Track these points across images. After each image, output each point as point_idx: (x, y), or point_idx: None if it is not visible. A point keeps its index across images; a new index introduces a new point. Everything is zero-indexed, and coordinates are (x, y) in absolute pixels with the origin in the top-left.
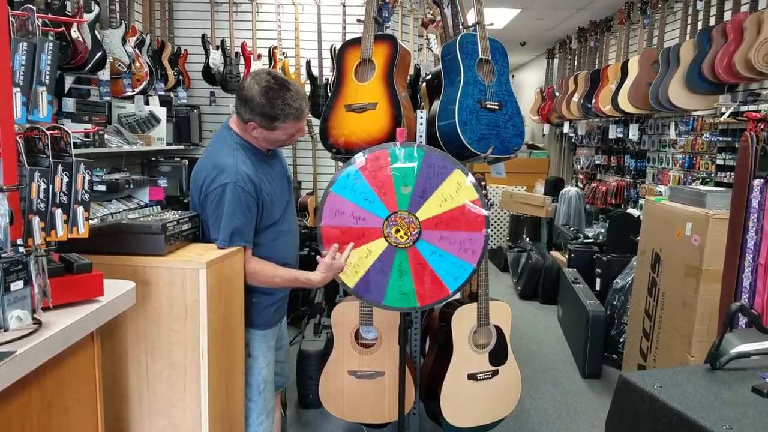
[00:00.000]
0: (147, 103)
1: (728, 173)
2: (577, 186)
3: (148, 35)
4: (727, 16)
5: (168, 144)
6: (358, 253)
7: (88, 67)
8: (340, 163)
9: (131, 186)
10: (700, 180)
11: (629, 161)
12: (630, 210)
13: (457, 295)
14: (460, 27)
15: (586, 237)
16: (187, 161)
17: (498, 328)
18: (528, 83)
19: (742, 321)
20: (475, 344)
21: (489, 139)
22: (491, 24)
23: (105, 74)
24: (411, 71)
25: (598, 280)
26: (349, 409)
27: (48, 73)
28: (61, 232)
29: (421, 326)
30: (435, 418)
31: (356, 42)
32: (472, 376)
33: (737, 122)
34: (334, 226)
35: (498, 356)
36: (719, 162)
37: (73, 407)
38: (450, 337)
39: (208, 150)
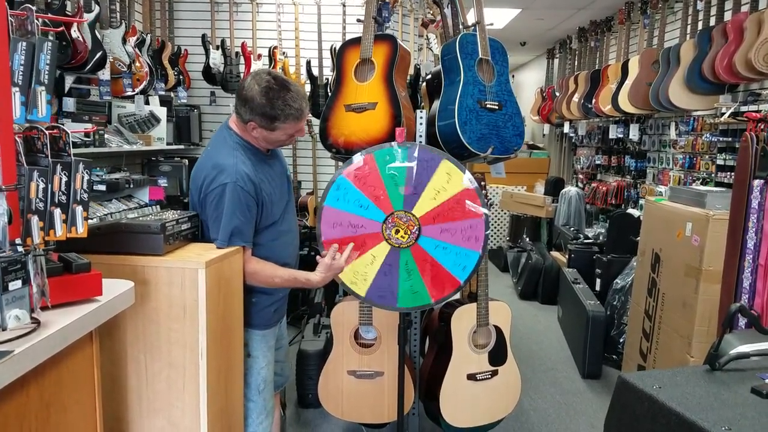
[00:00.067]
0: (147, 102)
1: (728, 173)
2: (577, 186)
3: (149, 35)
4: (728, 16)
5: (168, 144)
6: (363, 260)
7: (88, 67)
8: (340, 163)
9: (131, 186)
10: (701, 180)
11: (629, 161)
12: (630, 210)
13: (457, 296)
14: (460, 27)
15: (586, 237)
16: (187, 161)
17: (497, 329)
18: (528, 83)
19: (742, 322)
20: (475, 344)
21: (489, 139)
22: (491, 24)
23: (105, 74)
24: (411, 71)
25: (598, 281)
26: (348, 408)
27: (47, 72)
28: (59, 232)
29: (420, 326)
30: (434, 418)
31: (356, 42)
32: (471, 377)
33: (737, 122)
34: (334, 239)
35: (497, 356)
36: (719, 162)
37: (71, 407)
38: (449, 337)
39: (208, 150)
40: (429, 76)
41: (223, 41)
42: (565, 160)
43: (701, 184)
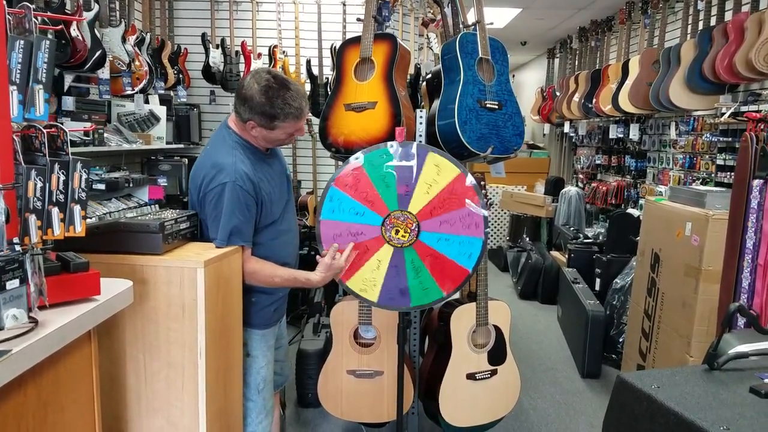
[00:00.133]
0: (147, 101)
1: (729, 173)
2: (577, 186)
3: (148, 34)
4: (728, 16)
5: (168, 143)
6: (368, 266)
7: (87, 66)
8: (340, 162)
9: (131, 185)
10: (701, 180)
11: (630, 161)
12: (630, 210)
13: (456, 295)
14: (461, 26)
15: (586, 237)
16: (186, 160)
17: (497, 328)
18: (529, 83)
19: (741, 321)
20: (474, 344)
21: (488, 139)
22: (491, 23)
23: (105, 73)
24: (411, 70)
25: (597, 280)
26: (347, 408)
27: (45, 71)
28: (57, 231)
29: (420, 326)
30: (433, 418)
31: (356, 41)
32: (470, 376)
33: (738, 122)
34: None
35: (497, 356)
36: (719, 162)
37: (69, 406)
38: (449, 337)
39: (207, 149)
40: (429, 76)
41: (222, 40)
42: (565, 159)
43: (701, 184)
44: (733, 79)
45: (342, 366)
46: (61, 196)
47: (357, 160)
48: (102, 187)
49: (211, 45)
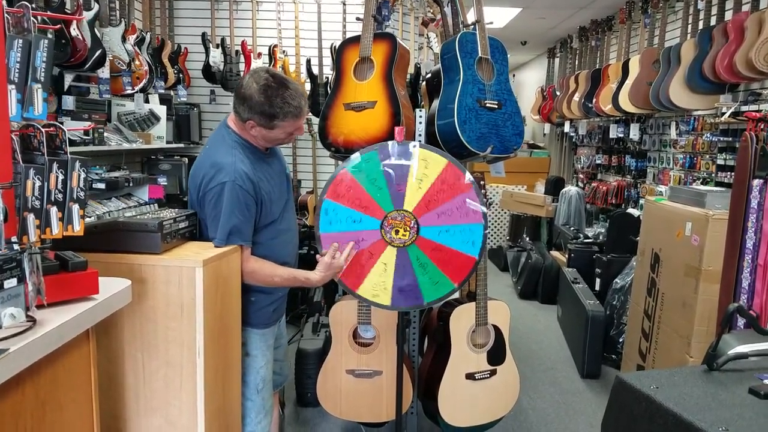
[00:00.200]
0: (147, 101)
1: (729, 173)
2: (577, 186)
3: (148, 33)
4: (728, 15)
5: (168, 142)
6: (376, 271)
7: (87, 65)
8: (340, 162)
9: (131, 184)
10: (701, 180)
11: (630, 161)
12: (630, 210)
13: (456, 295)
14: (460, 26)
15: (586, 237)
16: (186, 159)
17: (496, 328)
18: (529, 82)
19: (741, 322)
20: (474, 344)
21: (488, 138)
22: (491, 23)
23: (105, 72)
24: (411, 70)
25: (597, 280)
26: (346, 408)
27: (43, 70)
28: (56, 230)
29: (419, 325)
30: (433, 418)
31: (355, 40)
32: (470, 376)
33: (738, 122)
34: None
35: (496, 356)
36: (720, 162)
37: (67, 405)
38: (448, 337)
39: (206, 148)
40: (429, 75)
41: (223, 39)
42: (565, 159)
43: (701, 183)
44: (734, 78)
45: (341, 365)
46: (60, 195)
47: (343, 168)
48: (102, 186)
49: (211, 44)
